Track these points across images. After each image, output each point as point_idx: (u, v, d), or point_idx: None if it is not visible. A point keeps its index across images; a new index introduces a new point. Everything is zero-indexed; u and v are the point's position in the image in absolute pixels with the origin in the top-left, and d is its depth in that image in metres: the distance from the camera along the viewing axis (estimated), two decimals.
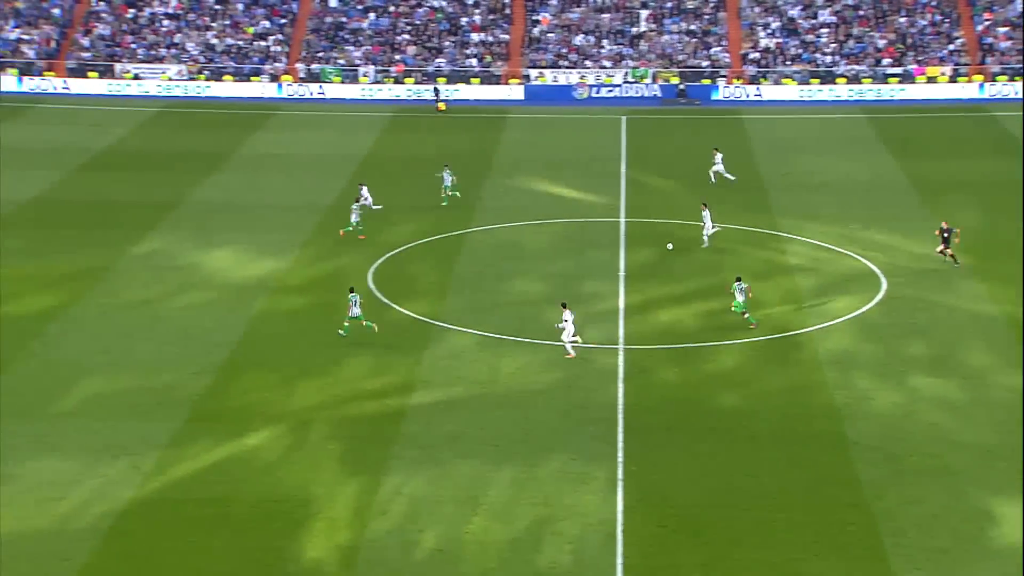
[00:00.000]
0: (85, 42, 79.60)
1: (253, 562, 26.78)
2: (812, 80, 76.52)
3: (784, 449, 31.73)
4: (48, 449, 31.37)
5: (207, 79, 77.43)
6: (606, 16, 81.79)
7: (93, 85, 76.62)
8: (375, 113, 72.72)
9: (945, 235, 44.46)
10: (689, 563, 26.78)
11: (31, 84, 76.08)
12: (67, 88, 76.19)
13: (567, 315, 36.94)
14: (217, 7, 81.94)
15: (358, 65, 78.88)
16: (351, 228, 48.12)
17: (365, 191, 51.56)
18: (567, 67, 78.82)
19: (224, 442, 32.04)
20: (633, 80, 77.30)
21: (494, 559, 27.03)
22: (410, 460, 31.21)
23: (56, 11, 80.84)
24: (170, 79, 77.61)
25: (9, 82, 75.90)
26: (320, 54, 79.60)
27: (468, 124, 70.54)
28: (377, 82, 77.74)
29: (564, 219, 51.89)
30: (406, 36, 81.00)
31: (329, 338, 38.62)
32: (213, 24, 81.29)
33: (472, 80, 77.94)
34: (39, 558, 26.59)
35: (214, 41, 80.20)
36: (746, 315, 38.79)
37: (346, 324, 38.17)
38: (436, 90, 75.10)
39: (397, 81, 77.97)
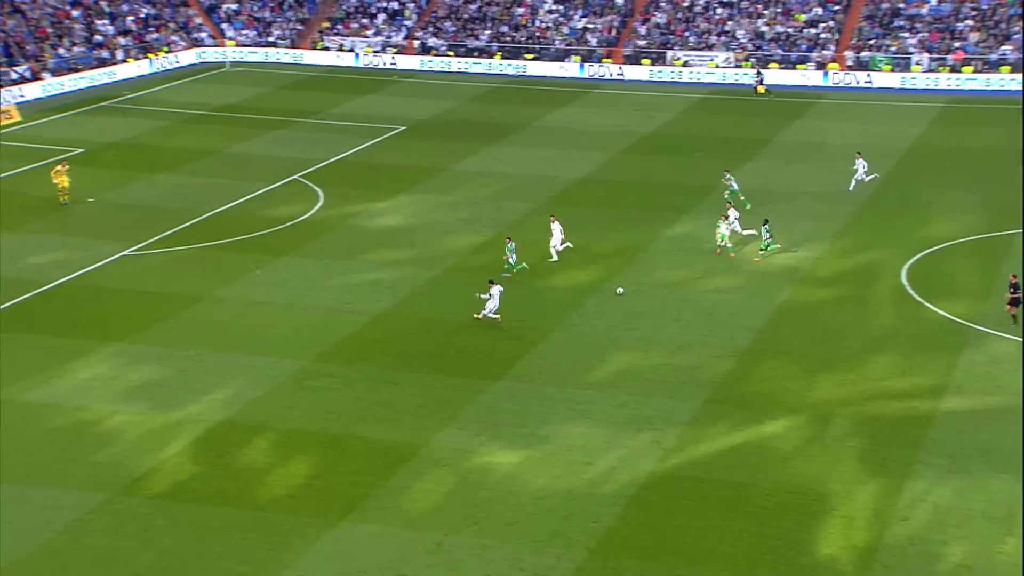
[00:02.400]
0: (642, 30, 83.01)
1: (768, 550, 26.57)
2: None
3: None
4: (580, 416, 33.12)
5: (753, 66, 77.73)
6: None
7: (645, 72, 79.72)
8: (925, 104, 69.20)
9: (1013, 290, 36.90)
10: None
11: (591, 70, 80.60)
12: (621, 74, 79.88)
13: (494, 290, 38.11)
14: None
15: (911, 53, 75.44)
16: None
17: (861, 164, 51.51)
18: None
19: (743, 427, 32.08)
20: None
21: None
22: (937, 467, 29.42)
23: (620, 0, 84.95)
24: (717, 66, 78.85)
25: (572, 68, 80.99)
26: (872, 41, 77.06)
27: None
28: (931, 71, 73.91)
29: None
30: (969, 22, 76.16)
31: (855, 332, 37.36)
32: (765, 12, 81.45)
33: None
34: (570, 516, 28.13)
35: (763, 29, 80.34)
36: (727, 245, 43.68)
37: (510, 264, 42.03)
38: (759, 72, 72.61)
39: (953, 70, 73.64)
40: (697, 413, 32.94)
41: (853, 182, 52.65)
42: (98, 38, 79.52)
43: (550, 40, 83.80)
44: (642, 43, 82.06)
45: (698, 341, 37.62)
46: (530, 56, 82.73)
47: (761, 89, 72.97)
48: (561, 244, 45.06)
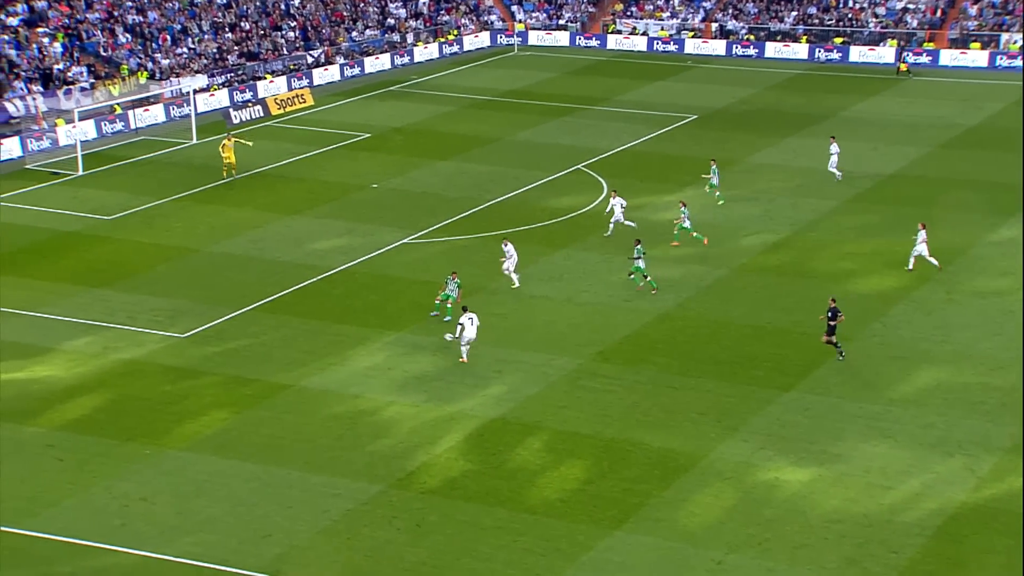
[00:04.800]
0: (972, 11, 79.01)
1: None
2: None
3: None
4: (880, 434, 31.92)
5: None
6: None
7: (974, 57, 75.85)
8: None
9: (831, 316, 35.42)
10: None
11: (908, 56, 77.61)
12: (943, 60, 76.39)
13: (465, 318, 35.67)
14: None
15: None
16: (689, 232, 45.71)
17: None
18: None
19: None
20: None
21: None
22: None
23: None
24: None
25: (888, 53, 78.02)
26: None
27: None
28: None
29: None
30: None
31: None
32: None
33: None
34: (865, 544, 27.18)
35: None
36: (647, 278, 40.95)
37: (436, 302, 39.09)
38: (903, 48, 72.56)
39: None
40: (1019, 440, 31.06)
41: (836, 171, 52.84)
42: (390, 21, 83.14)
43: (863, 22, 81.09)
44: (972, 25, 78.06)
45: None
46: (840, 40, 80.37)
47: (904, 67, 72.49)
48: (514, 271, 41.67)
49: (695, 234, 44.85)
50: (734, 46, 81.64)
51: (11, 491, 29.55)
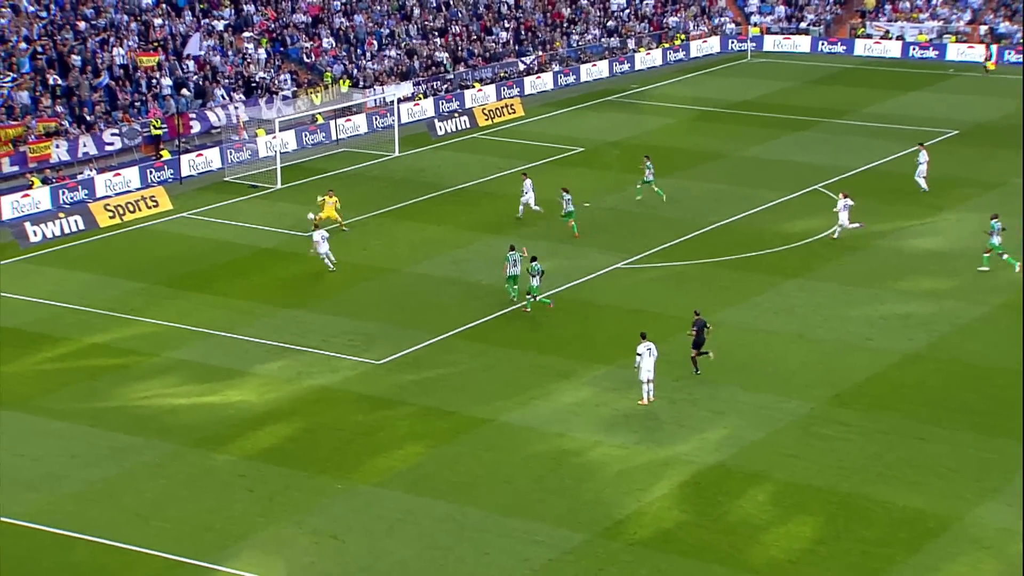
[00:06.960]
0: None
1: None
2: None
3: None
4: None
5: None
6: None
7: None
8: None
9: (697, 328, 36.73)
10: None
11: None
12: None
13: (643, 347, 34.98)
14: None
15: None
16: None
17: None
18: None
19: None
20: None
21: None
22: None
23: None
24: None
25: None
26: None
27: None
28: None
29: None
30: None
31: None
32: None
33: None
34: None
35: None
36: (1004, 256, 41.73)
37: (515, 287, 42.02)
38: (989, 47, 73.19)
39: None
40: None
41: (922, 181, 53.59)
42: (611, 23, 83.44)
43: None
44: None
45: None
46: None
47: (991, 66, 73.19)
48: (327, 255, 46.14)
49: (573, 223, 48.59)
50: (1006, 52, 78.85)
51: (202, 522, 30.71)
